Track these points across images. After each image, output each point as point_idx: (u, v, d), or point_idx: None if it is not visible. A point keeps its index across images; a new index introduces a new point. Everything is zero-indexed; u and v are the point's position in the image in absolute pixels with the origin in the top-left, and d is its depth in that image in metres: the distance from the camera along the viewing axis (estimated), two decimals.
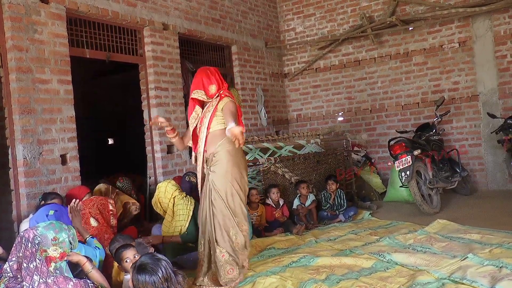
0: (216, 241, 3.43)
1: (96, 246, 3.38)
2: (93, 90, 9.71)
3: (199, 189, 3.70)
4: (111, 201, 4.00)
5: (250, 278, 3.59)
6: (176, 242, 4.26)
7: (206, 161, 3.59)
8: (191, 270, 3.76)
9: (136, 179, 6.38)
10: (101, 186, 4.84)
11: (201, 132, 3.60)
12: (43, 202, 4.14)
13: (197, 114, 3.66)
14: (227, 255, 3.42)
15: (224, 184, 3.46)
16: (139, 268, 2.47)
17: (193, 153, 3.75)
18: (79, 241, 3.26)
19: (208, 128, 3.57)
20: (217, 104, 3.56)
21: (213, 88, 3.60)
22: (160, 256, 2.55)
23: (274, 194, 5.50)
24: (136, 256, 3.20)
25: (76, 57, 5.06)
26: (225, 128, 3.45)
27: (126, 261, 3.15)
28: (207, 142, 3.57)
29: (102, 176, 6.47)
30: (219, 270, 3.43)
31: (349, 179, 6.81)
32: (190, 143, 3.79)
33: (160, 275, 2.43)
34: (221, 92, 3.61)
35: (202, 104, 3.68)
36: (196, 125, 3.66)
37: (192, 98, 3.67)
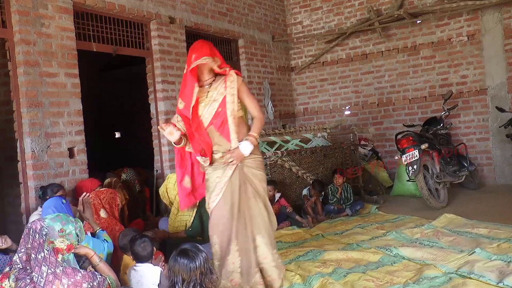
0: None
1: (104, 239, 3.40)
2: (99, 84, 9.72)
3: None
4: (119, 195, 4.03)
5: None
6: (181, 238, 4.26)
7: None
8: None
9: (141, 173, 6.40)
10: (108, 179, 4.89)
11: (226, 122, 3.06)
12: (46, 196, 4.13)
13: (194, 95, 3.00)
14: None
15: (264, 191, 3.22)
16: (181, 252, 2.47)
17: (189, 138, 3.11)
18: (87, 234, 3.29)
19: (233, 115, 3.05)
20: (239, 86, 3.10)
21: (218, 61, 3.10)
22: (202, 248, 2.53)
23: (271, 192, 5.28)
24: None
25: (82, 51, 5.07)
26: (243, 115, 3.19)
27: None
28: (237, 132, 3.08)
29: (109, 169, 6.49)
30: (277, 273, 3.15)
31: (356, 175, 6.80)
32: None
33: (197, 264, 2.42)
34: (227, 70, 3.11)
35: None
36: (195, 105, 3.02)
37: (191, 70, 2.98)
